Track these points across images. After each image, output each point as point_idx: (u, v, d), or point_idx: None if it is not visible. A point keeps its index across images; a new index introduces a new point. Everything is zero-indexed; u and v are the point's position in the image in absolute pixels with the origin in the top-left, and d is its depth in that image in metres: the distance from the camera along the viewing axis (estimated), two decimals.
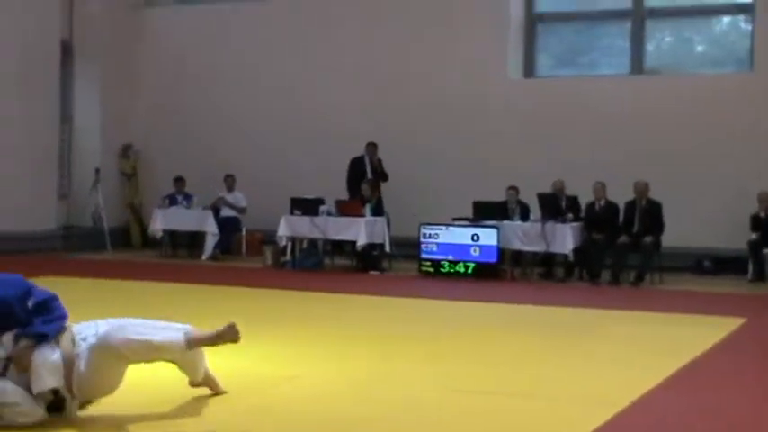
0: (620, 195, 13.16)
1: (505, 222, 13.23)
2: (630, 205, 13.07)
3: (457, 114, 15.45)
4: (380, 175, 14.77)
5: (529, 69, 15.84)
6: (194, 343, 5.01)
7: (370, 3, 16.09)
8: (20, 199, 15.09)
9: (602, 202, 13.25)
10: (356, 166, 14.88)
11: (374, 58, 15.94)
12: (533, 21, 15.78)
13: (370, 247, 13.66)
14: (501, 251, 13.04)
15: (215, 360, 5.56)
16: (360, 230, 13.32)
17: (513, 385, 6.24)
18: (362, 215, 13.66)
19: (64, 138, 16.91)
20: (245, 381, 5.96)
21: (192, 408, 5.24)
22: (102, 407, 4.92)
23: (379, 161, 14.84)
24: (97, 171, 16.13)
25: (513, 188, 13.69)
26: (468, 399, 5.77)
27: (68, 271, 12.37)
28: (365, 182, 14.25)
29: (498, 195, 13.73)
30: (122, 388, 4.92)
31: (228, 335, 5.07)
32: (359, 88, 15.95)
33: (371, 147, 14.88)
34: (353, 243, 13.53)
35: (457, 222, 13.49)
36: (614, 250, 12.83)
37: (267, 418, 5.16)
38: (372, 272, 13.58)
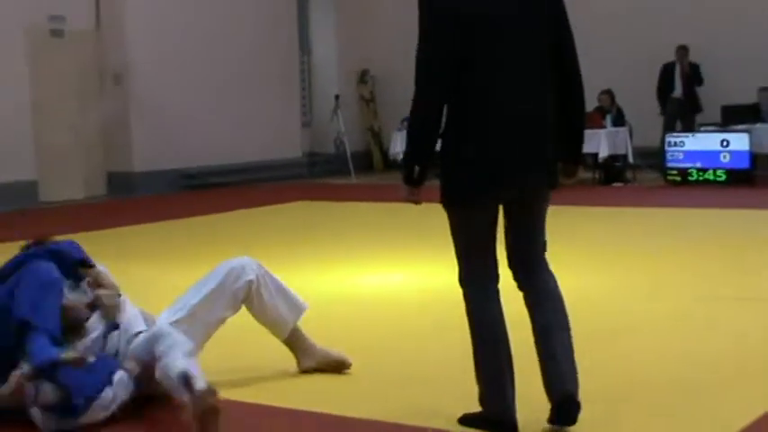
0: None
1: (758, 126, 12.54)
2: None
3: None
4: (694, 80, 14.13)
5: None
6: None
7: None
8: (267, 129, 15.77)
9: None
10: (666, 72, 14.34)
11: None
12: None
13: (612, 158, 13.37)
14: (754, 156, 12.38)
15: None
16: (601, 142, 13.02)
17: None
18: (603, 126, 13.34)
19: (303, 68, 17.49)
20: None
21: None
22: None
23: (692, 65, 14.20)
24: (337, 98, 16.56)
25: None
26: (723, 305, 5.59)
27: (315, 196, 12.86)
28: (602, 92, 13.82)
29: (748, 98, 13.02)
30: None
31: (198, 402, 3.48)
32: None
33: (682, 51, 14.25)
34: (595, 155, 13.26)
35: (704, 128, 12.96)
36: None
37: None
38: (616, 184, 13.33)
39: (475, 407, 3.57)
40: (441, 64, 3.46)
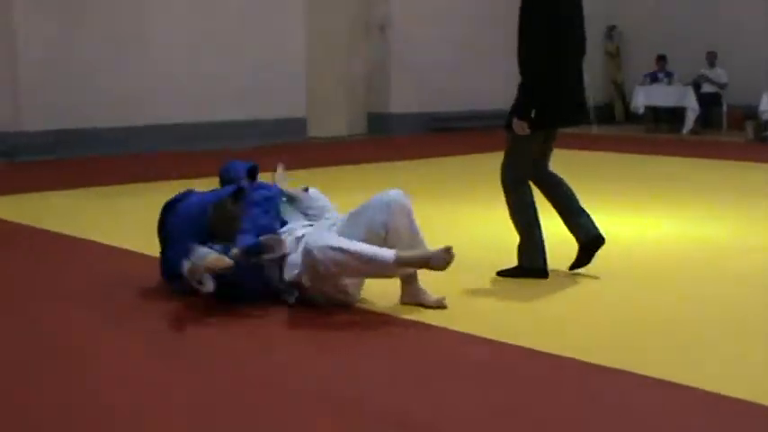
0: None
1: None
2: None
3: None
4: None
5: None
6: (403, 262, 4.39)
7: None
8: (511, 80, 16.53)
9: None
10: None
11: None
12: None
13: None
14: None
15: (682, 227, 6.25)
16: None
17: None
18: None
19: None
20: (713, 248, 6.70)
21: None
22: None
23: None
24: None
25: None
26: None
27: (558, 144, 13.48)
28: None
29: None
30: None
31: (438, 259, 4.39)
32: None
33: None
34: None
35: None
36: None
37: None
38: None
39: None
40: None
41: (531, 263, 5.20)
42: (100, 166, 10.82)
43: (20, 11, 11.17)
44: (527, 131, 5.11)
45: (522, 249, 5.24)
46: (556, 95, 5.14)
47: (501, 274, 5.24)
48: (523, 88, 5.11)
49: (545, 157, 5.42)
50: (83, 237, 6.38)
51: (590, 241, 5.27)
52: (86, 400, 3.35)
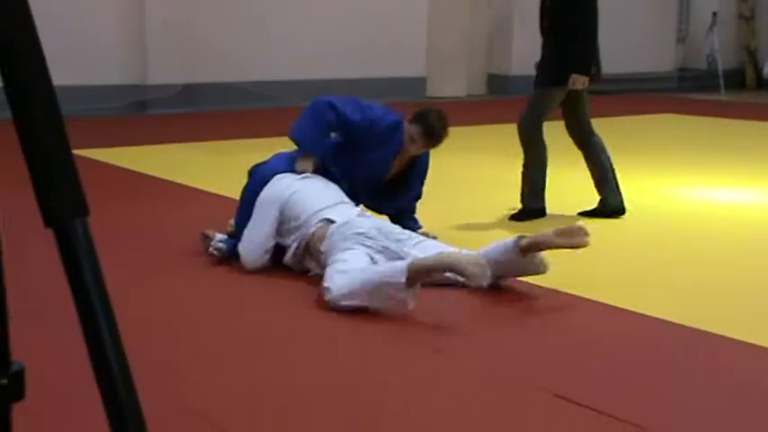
0: None
1: None
2: None
3: None
4: None
5: None
6: (420, 274, 3.80)
7: None
8: (642, 42, 16.20)
9: None
10: None
11: None
12: None
13: None
14: None
15: None
16: None
17: None
18: None
19: None
20: None
21: None
22: None
23: None
24: (714, 14, 16.54)
25: None
26: None
27: (683, 110, 13.23)
28: None
29: None
30: None
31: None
32: None
33: None
34: None
35: None
36: None
37: None
38: None
39: None
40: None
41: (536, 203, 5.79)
42: (229, 119, 11.03)
43: None
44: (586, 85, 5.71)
45: (525, 194, 5.80)
46: (593, 50, 5.75)
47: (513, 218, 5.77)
48: (570, 43, 5.64)
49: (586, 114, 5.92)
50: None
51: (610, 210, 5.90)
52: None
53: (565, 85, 5.66)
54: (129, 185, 6.90)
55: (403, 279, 3.74)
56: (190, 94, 11.77)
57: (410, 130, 4.76)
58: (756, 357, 3.50)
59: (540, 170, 5.79)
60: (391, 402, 3.02)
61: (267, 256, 4.42)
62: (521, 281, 4.33)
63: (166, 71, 11.59)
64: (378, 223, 4.35)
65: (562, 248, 4.14)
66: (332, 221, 4.28)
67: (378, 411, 2.95)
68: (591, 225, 4.64)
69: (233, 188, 5.18)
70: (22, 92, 0.84)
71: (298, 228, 4.35)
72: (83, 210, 0.88)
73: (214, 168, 7.60)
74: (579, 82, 5.64)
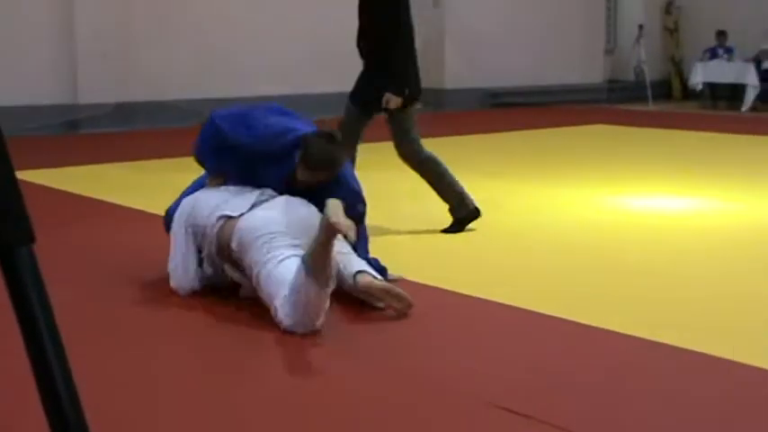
0: None
1: None
2: None
3: None
4: None
5: None
6: (316, 256, 3.64)
7: None
8: (570, 55, 16.46)
9: None
10: None
11: None
12: None
13: None
14: None
15: None
16: None
17: None
18: None
19: None
20: None
21: None
22: None
23: None
24: (641, 27, 16.88)
25: None
26: None
27: (613, 120, 13.45)
28: None
29: None
30: None
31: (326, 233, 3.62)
32: None
33: None
34: None
35: None
36: None
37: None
38: None
39: None
40: None
41: (463, 212, 5.73)
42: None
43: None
44: (399, 105, 5.52)
45: (453, 206, 5.74)
46: (415, 68, 5.68)
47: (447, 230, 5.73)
48: (390, 64, 5.54)
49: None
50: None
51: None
52: None
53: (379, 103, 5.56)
54: (62, 207, 6.80)
55: (307, 276, 3.62)
56: (123, 112, 11.65)
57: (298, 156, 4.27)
58: (691, 363, 3.57)
59: (445, 179, 5.75)
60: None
61: (197, 277, 4.30)
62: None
63: (98, 90, 11.45)
64: (274, 215, 4.09)
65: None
66: (231, 217, 4.15)
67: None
68: (527, 237, 4.66)
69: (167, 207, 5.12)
70: None
71: (204, 234, 4.24)
72: (28, 237, 0.86)
73: (147, 187, 7.52)
74: (393, 102, 5.52)
